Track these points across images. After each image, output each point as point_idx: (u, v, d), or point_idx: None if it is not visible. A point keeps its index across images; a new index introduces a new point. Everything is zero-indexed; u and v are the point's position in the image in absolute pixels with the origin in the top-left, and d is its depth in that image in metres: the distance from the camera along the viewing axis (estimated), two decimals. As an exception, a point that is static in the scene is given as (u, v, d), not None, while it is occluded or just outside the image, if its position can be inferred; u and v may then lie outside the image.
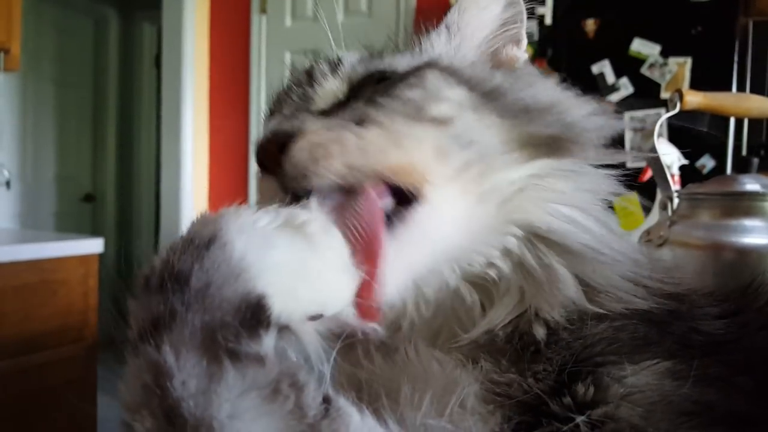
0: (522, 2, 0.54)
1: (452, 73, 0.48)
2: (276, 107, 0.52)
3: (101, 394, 2.31)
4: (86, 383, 2.26)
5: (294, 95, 0.51)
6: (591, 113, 0.50)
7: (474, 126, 0.45)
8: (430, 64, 0.49)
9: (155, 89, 4.03)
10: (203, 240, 0.33)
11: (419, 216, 0.41)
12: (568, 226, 0.44)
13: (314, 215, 0.37)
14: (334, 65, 0.51)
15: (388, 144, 0.41)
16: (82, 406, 2.19)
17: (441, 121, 0.44)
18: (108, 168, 4.37)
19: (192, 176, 3.31)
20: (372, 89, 0.47)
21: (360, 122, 0.43)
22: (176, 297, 0.31)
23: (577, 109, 0.50)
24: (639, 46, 2.29)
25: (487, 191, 0.44)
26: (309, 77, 0.51)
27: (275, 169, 0.41)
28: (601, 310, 0.41)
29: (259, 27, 3.25)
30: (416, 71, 0.48)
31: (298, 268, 0.34)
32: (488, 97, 0.47)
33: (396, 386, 0.38)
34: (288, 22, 3.18)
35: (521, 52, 0.55)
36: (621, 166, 0.49)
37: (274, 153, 0.41)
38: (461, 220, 0.43)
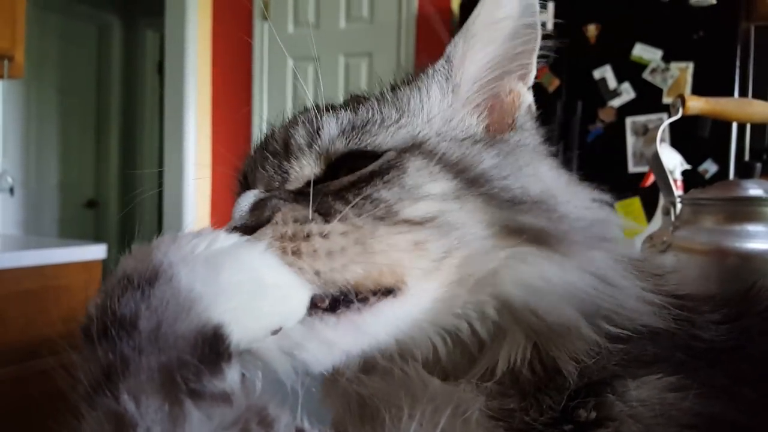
0: (539, 26, 0.49)
1: (438, 159, 0.45)
2: (250, 172, 0.50)
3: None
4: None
5: (269, 166, 0.48)
6: (587, 206, 0.48)
7: (456, 214, 0.43)
8: (414, 147, 0.46)
9: (158, 96, 4.04)
10: (144, 277, 0.32)
11: (389, 306, 0.40)
12: (547, 301, 0.41)
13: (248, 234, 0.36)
14: (312, 136, 0.47)
15: (355, 246, 0.40)
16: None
17: (417, 222, 0.42)
18: (111, 174, 4.38)
19: (194, 182, 3.32)
20: (348, 181, 0.44)
21: (328, 215, 0.41)
22: (125, 343, 0.29)
23: (571, 200, 0.47)
24: (641, 51, 2.29)
25: (464, 276, 0.42)
26: (285, 146, 0.48)
27: None
28: (617, 330, 0.40)
29: (262, 33, 3.26)
30: (397, 161, 0.44)
31: (251, 285, 0.34)
32: (474, 183, 0.44)
33: (396, 401, 0.37)
34: (290, 28, 3.19)
35: (526, 91, 0.51)
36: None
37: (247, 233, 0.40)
38: (436, 299, 0.42)
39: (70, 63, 4.10)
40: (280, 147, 0.48)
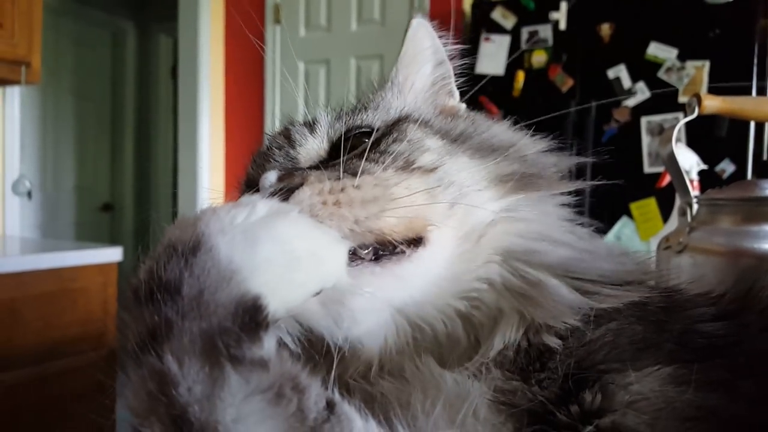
0: (448, 62, 0.60)
1: (424, 124, 0.53)
2: (256, 169, 0.54)
3: (120, 401, 2.33)
4: (105, 390, 2.27)
5: (277, 157, 0.53)
6: (544, 150, 0.54)
7: (451, 168, 0.49)
8: (405, 118, 0.54)
9: (172, 100, 4.08)
10: (187, 246, 0.33)
11: (421, 256, 0.44)
12: (541, 243, 0.47)
13: (283, 202, 0.39)
14: (311, 126, 0.54)
15: (386, 196, 0.44)
16: (101, 412, 2.20)
17: (427, 169, 0.48)
18: (126, 178, 4.42)
19: (208, 185, 3.34)
20: (361, 147, 0.50)
21: (355, 174, 0.45)
22: (169, 307, 0.31)
23: (532, 147, 0.54)
24: (655, 49, 2.28)
25: (469, 230, 0.47)
26: (288, 140, 0.54)
27: None
28: (600, 305, 0.42)
29: (274, 37, 3.28)
30: (395, 125, 0.52)
31: (287, 255, 0.35)
32: (457, 142, 0.52)
33: (406, 397, 0.38)
34: (302, 32, 3.20)
35: (457, 102, 0.61)
36: (580, 193, 0.54)
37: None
38: (449, 257, 0.46)
39: (86, 68, 4.15)
40: (283, 142, 0.54)
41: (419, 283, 0.44)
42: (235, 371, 0.30)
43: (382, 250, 0.43)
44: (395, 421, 0.36)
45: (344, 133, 0.52)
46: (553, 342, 0.41)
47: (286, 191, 0.43)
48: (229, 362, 0.30)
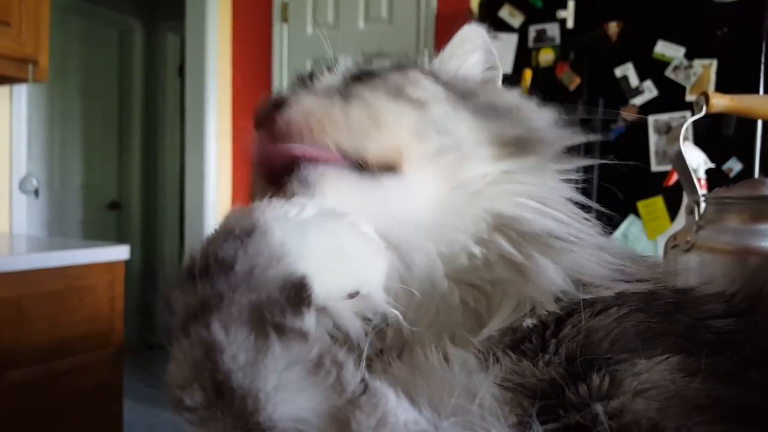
0: (496, 57, 0.60)
1: (431, 74, 0.54)
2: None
3: (127, 398, 2.34)
4: (112, 388, 2.29)
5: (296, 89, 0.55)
6: (552, 121, 0.54)
7: (449, 117, 0.49)
8: (413, 66, 0.55)
9: (179, 98, 4.09)
10: (244, 229, 0.36)
11: (392, 181, 0.45)
12: (534, 215, 0.47)
13: (337, 206, 0.41)
14: (331, 66, 0.57)
15: (370, 123, 0.46)
16: (108, 410, 2.22)
17: (419, 102, 0.48)
18: (133, 176, 4.44)
19: (216, 183, 3.35)
20: (366, 76, 0.52)
21: (346, 98, 0.47)
22: (222, 281, 0.33)
23: (539, 115, 0.54)
24: (663, 48, 2.27)
25: (460, 181, 0.47)
26: (310, 76, 0.57)
27: (268, 124, 0.46)
28: (592, 296, 0.42)
29: (281, 35, 3.28)
30: (401, 66, 0.54)
31: (333, 249, 0.38)
32: (462, 96, 0.52)
33: (418, 386, 0.38)
34: (309, 29, 3.20)
35: None
36: (579, 171, 0.53)
37: (270, 110, 0.46)
38: (435, 202, 0.46)
39: (93, 67, 4.17)
40: (305, 78, 0.57)
41: (390, 208, 0.45)
42: (278, 339, 0.31)
43: (357, 168, 0.45)
44: (418, 401, 0.36)
45: (356, 75, 0.54)
46: (529, 323, 0.41)
47: (274, 105, 0.46)
48: (273, 330, 0.31)
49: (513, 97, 0.56)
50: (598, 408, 0.34)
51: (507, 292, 0.44)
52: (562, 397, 0.36)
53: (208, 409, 0.30)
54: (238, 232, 0.36)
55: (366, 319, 0.42)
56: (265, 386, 0.30)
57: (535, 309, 0.42)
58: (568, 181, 0.51)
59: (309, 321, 0.33)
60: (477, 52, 0.60)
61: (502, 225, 0.46)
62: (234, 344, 0.31)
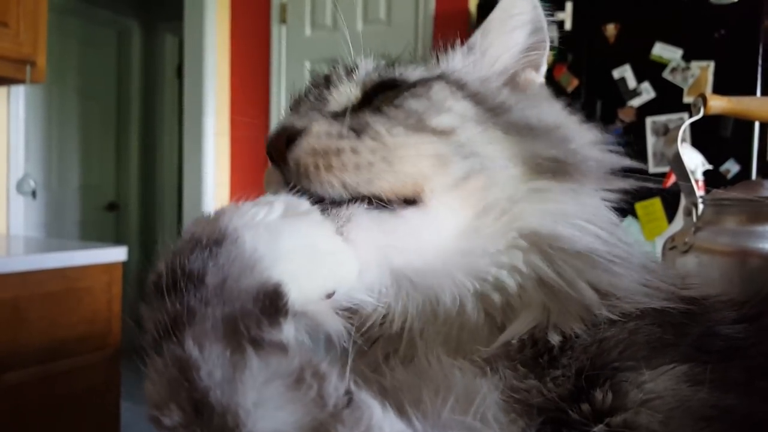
0: (546, 30, 0.54)
1: (460, 86, 0.50)
2: (294, 107, 0.55)
3: (124, 400, 2.34)
4: (110, 389, 2.28)
5: (311, 96, 0.53)
6: (594, 142, 0.51)
7: (476, 138, 0.46)
8: (440, 77, 0.51)
9: (177, 99, 4.09)
10: (212, 239, 0.34)
11: (412, 215, 0.43)
12: (572, 229, 0.44)
13: (305, 203, 0.39)
14: (350, 71, 0.53)
15: (382, 163, 0.43)
16: (106, 411, 2.21)
17: (442, 131, 0.45)
18: (131, 177, 4.43)
19: (214, 184, 3.34)
20: (381, 97, 0.49)
21: (360, 131, 0.44)
22: (192, 295, 0.32)
23: (580, 136, 0.51)
24: (660, 50, 2.27)
25: (488, 205, 0.45)
26: (326, 81, 0.54)
27: (280, 161, 0.44)
28: (615, 316, 0.41)
29: (279, 36, 3.28)
30: (424, 82, 0.50)
31: (307, 250, 0.36)
32: (493, 112, 0.48)
33: (418, 393, 0.38)
34: (308, 31, 3.20)
35: (539, 77, 0.56)
36: (621, 191, 0.50)
37: (281, 147, 0.44)
38: (462, 229, 0.44)
39: (91, 67, 4.16)
40: (320, 81, 0.54)
41: (412, 242, 0.43)
42: (256, 354, 0.30)
43: (374, 204, 0.42)
44: (410, 412, 0.35)
45: (377, 84, 0.51)
46: (555, 340, 0.40)
47: (286, 137, 0.44)
48: (250, 345, 0.30)
49: (552, 112, 0.52)
50: (600, 429, 0.34)
51: (531, 304, 0.43)
52: (566, 416, 0.36)
53: (188, 428, 0.29)
54: (206, 242, 0.34)
55: (348, 318, 0.41)
56: (244, 402, 0.29)
57: (556, 325, 0.41)
58: (606, 200, 0.49)
59: (287, 331, 0.32)
60: (520, 30, 0.55)
61: (539, 243, 0.44)
62: (209, 361, 0.29)
